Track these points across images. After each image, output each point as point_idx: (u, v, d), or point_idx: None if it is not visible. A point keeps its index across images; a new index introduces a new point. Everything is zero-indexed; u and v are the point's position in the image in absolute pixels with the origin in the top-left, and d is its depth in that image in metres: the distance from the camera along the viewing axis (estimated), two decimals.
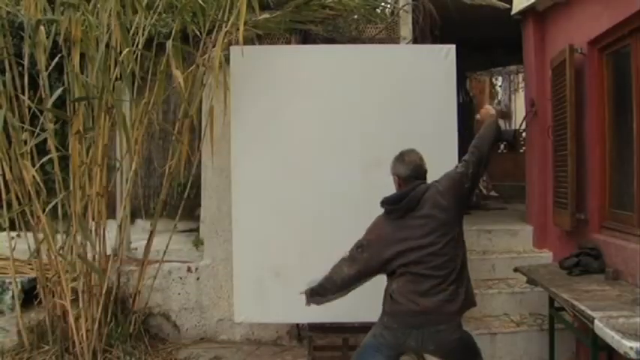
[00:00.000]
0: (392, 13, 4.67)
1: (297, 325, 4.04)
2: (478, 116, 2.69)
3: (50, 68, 3.49)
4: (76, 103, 3.31)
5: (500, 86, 14.14)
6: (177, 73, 3.29)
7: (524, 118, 5.32)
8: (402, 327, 2.38)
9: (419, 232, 2.38)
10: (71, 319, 3.41)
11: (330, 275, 2.53)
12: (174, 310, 4.16)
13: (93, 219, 3.46)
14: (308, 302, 2.62)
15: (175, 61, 3.35)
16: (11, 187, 3.42)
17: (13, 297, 3.99)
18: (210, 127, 3.64)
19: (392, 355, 2.44)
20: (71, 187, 3.36)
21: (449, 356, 2.49)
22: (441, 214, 2.40)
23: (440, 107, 3.52)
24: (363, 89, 3.53)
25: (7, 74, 3.40)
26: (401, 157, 2.54)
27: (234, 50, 3.55)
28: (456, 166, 2.51)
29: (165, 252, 3.86)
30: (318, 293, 2.58)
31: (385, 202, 2.48)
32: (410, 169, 2.50)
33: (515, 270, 3.68)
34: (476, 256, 4.35)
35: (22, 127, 3.40)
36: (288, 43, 4.30)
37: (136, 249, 4.39)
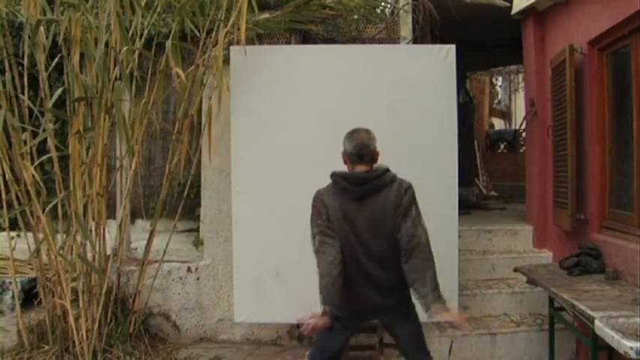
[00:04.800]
0: (392, 13, 4.66)
1: (297, 325, 4.04)
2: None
3: (50, 68, 3.49)
4: (76, 103, 3.31)
5: (500, 86, 14.16)
6: (179, 72, 3.29)
7: (524, 118, 5.33)
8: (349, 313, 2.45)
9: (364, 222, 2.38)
10: (71, 319, 3.41)
11: (322, 276, 2.38)
12: (174, 310, 4.16)
13: (93, 219, 3.46)
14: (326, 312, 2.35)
15: (174, 60, 3.34)
16: (11, 187, 3.42)
17: (13, 297, 4.00)
18: (209, 126, 3.64)
19: (355, 324, 2.59)
20: (71, 187, 3.36)
21: (399, 327, 2.54)
22: (386, 227, 2.38)
23: (440, 107, 3.52)
24: (363, 89, 3.54)
25: (7, 74, 3.40)
26: (349, 134, 2.48)
27: (235, 50, 3.55)
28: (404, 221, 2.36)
29: (165, 252, 3.86)
30: (329, 299, 2.36)
31: (343, 180, 2.41)
32: (353, 145, 2.42)
33: (515, 270, 3.68)
34: (476, 256, 4.36)
35: (22, 127, 3.40)
36: (288, 43, 4.30)
37: (136, 249, 4.38)
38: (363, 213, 2.38)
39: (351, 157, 2.45)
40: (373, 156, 2.45)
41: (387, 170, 2.44)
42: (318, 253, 2.40)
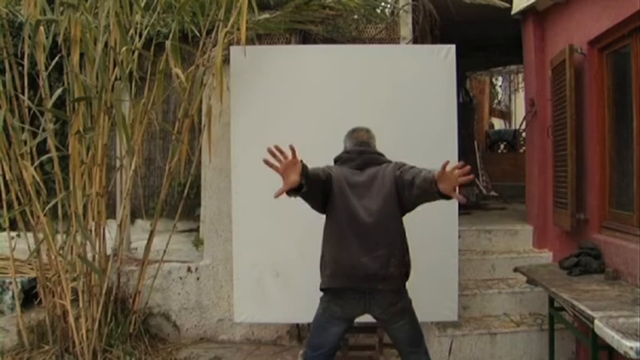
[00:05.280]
0: (392, 13, 4.66)
1: (297, 325, 4.04)
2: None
3: (50, 68, 3.49)
4: (76, 103, 3.31)
5: (500, 86, 14.16)
6: (178, 72, 3.29)
7: (524, 118, 5.33)
8: (343, 296, 2.43)
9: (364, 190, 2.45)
10: (71, 319, 3.41)
11: None
12: (174, 310, 4.16)
13: (93, 219, 3.46)
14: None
15: (174, 60, 3.34)
16: (11, 187, 3.42)
17: (13, 297, 4.00)
18: (208, 126, 3.64)
19: (347, 321, 2.52)
20: (71, 187, 3.36)
21: (395, 325, 2.52)
22: (384, 188, 2.44)
23: (440, 107, 3.52)
24: (363, 89, 3.54)
25: (7, 74, 3.41)
26: (350, 133, 2.66)
27: (235, 50, 3.55)
28: (404, 169, 2.44)
29: (165, 252, 3.86)
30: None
31: (345, 153, 2.60)
32: (354, 142, 2.61)
33: (515, 270, 3.68)
34: (476, 256, 4.35)
35: (22, 128, 3.40)
36: (288, 43, 4.30)
37: (136, 249, 4.39)
38: (363, 178, 2.48)
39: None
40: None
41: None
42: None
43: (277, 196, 2.16)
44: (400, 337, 2.53)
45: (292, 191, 2.21)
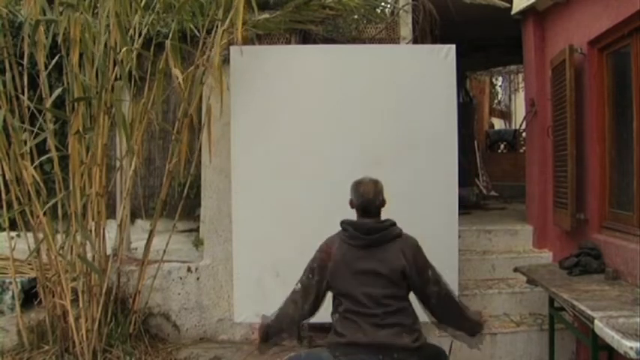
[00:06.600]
0: (392, 13, 4.67)
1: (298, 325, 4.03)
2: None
3: (50, 68, 3.49)
4: (76, 103, 3.31)
5: (500, 86, 14.16)
6: (177, 72, 3.29)
7: (524, 118, 5.33)
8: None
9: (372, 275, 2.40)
10: (71, 319, 3.40)
11: (283, 308, 2.51)
12: (174, 310, 4.16)
13: (93, 219, 3.46)
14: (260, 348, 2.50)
15: (174, 60, 3.34)
16: (11, 187, 3.42)
17: (13, 297, 3.99)
18: (208, 126, 3.63)
19: None
20: (71, 187, 3.36)
21: None
22: (390, 275, 2.39)
23: (440, 107, 3.52)
24: (363, 89, 3.54)
25: (7, 74, 3.40)
26: (356, 185, 2.53)
27: (234, 50, 3.56)
28: (435, 281, 2.45)
29: (165, 252, 3.86)
30: (272, 331, 2.52)
31: (352, 228, 2.46)
32: (360, 201, 2.49)
33: (515, 270, 3.68)
34: (476, 256, 4.35)
35: (22, 127, 3.40)
36: (288, 43, 4.30)
37: (136, 249, 4.38)
38: (368, 265, 2.39)
39: (357, 210, 2.52)
40: (379, 210, 2.51)
41: (394, 224, 2.48)
42: (292, 293, 2.53)
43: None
44: None
45: None
